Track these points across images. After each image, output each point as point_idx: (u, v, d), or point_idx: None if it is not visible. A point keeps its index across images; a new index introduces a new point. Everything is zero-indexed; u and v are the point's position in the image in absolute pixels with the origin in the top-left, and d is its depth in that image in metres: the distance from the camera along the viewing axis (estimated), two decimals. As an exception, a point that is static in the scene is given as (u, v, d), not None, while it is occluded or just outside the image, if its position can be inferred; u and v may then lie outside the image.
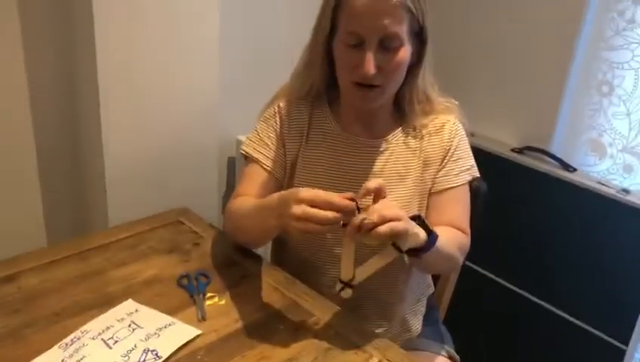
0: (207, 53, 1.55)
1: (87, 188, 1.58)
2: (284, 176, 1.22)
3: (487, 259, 1.95)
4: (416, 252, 1.00)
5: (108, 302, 1.05)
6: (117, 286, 1.10)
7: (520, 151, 1.92)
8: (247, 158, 1.23)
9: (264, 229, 1.07)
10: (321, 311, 1.08)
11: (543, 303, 1.88)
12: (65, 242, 1.25)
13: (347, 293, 0.99)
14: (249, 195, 1.18)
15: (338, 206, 0.90)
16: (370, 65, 1.03)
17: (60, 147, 1.52)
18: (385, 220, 0.90)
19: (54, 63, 1.44)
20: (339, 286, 0.99)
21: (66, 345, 0.93)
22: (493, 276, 1.98)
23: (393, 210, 0.93)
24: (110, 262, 1.18)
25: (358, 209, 0.92)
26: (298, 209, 0.90)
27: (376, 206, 0.94)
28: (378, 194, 0.97)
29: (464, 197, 1.20)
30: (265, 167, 1.20)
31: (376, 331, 1.24)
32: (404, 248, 0.93)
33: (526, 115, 1.99)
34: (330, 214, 0.89)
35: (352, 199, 0.91)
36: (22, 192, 1.49)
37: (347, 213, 0.91)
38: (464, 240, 1.18)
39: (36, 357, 0.91)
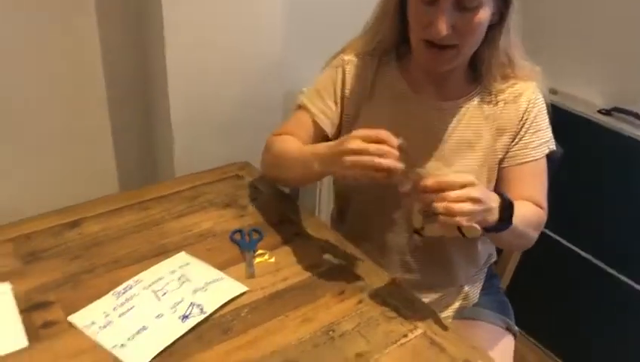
0: (273, 3, 1.51)
1: (155, 142, 1.62)
2: (335, 133, 1.19)
3: (563, 228, 1.84)
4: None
5: (163, 253, 1.08)
6: (172, 238, 1.13)
7: (607, 112, 1.77)
8: (301, 107, 1.21)
9: (306, 174, 1.05)
10: (370, 277, 1.06)
11: (621, 276, 1.76)
12: (128, 191, 1.28)
13: (417, 240, 0.98)
14: (295, 137, 1.17)
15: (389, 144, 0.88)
16: (443, 25, 0.96)
17: (129, 100, 1.56)
18: (451, 214, 0.85)
19: (123, 20, 1.47)
20: (412, 231, 0.99)
21: (119, 293, 0.97)
22: (570, 245, 1.87)
23: (466, 205, 0.86)
24: (169, 212, 1.21)
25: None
26: (354, 143, 0.89)
27: (452, 194, 0.86)
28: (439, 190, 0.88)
29: (542, 170, 1.13)
30: (315, 118, 1.18)
31: (432, 296, 1.22)
32: (468, 236, 0.89)
33: (616, 72, 1.81)
34: (384, 147, 0.87)
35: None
36: (95, 144, 1.55)
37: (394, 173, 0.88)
38: (541, 217, 1.11)
39: (91, 302, 0.95)
